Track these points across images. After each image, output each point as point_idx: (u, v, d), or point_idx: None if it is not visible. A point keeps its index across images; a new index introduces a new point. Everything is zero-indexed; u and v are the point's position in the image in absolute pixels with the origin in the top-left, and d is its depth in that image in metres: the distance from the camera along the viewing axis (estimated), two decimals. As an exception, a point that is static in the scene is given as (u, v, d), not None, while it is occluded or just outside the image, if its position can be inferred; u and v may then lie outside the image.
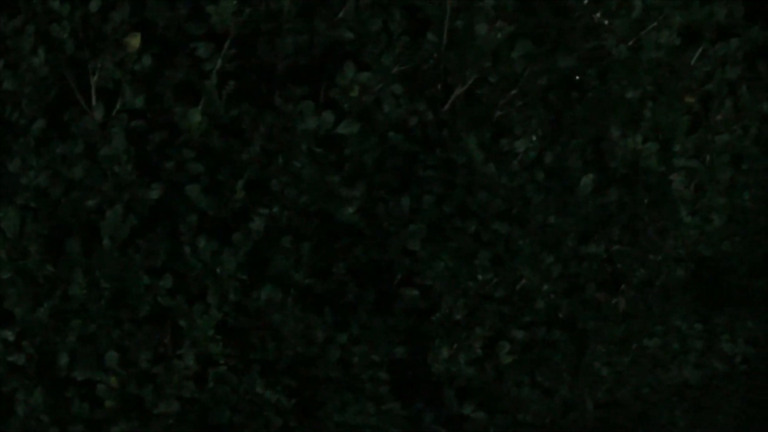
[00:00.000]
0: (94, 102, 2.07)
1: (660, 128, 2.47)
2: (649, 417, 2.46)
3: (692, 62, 2.50)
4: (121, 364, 2.17)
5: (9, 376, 2.21)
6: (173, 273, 2.16)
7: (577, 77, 2.42)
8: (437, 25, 2.35)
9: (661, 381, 2.45)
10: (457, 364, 2.40)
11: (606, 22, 2.43)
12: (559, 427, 2.48)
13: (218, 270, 2.17)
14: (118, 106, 2.09)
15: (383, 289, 2.35)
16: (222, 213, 2.17)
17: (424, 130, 2.40)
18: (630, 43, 2.45)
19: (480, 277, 2.39)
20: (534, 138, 2.44)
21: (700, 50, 2.49)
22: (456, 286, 2.37)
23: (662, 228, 2.46)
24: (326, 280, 2.26)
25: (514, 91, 2.43)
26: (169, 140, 2.13)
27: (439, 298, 2.38)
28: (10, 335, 2.19)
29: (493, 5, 2.34)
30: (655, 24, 2.45)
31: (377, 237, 2.33)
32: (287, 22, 2.26)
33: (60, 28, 2.07)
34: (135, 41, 2.04)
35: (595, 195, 2.43)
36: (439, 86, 2.39)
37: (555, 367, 2.44)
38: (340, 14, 2.30)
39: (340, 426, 2.28)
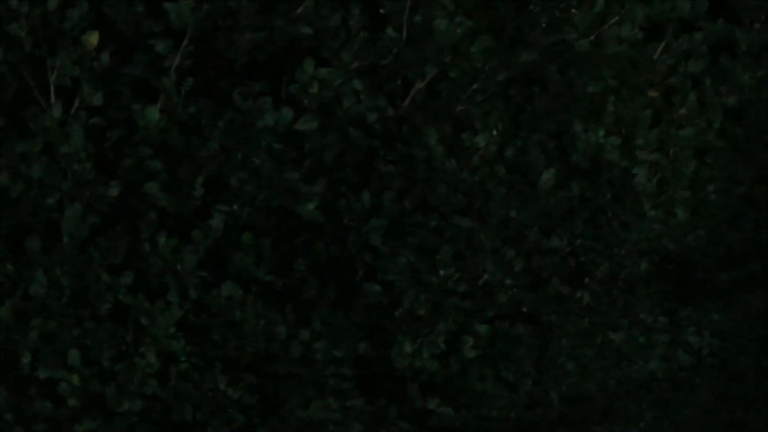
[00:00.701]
0: (52, 100, 2.09)
1: (622, 122, 2.48)
2: (615, 410, 2.45)
3: (655, 56, 2.52)
4: (83, 362, 2.20)
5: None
6: (134, 270, 2.18)
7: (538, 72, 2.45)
8: (396, 20, 2.36)
9: (627, 374, 2.45)
10: (420, 359, 2.41)
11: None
12: (524, 421, 2.47)
13: (179, 267, 2.19)
14: (76, 104, 2.11)
15: (345, 285, 2.36)
16: (181, 210, 2.18)
17: (385, 126, 2.44)
18: (592, 37, 2.48)
19: (442, 272, 2.41)
20: (495, 133, 2.46)
21: (663, 44, 2.51)
22: (418, 282, 2.41)
23: (625, 222, 2.47)
24: (287, 276, 2.27)
25: (474, 86, 2.45)
26: (128, 138, 2.14)
27: (402, 294, 2.41)
28: None
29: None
30: (617, 18, 2.49)
31: (338, 233, 2.35)
32: (245, 18, 2.28)
33: (18, 27, 2.09)
34: (93, 39, 2.08)
35: (557, 189, 2.44)
36: (399, 81, 2.41)
37: (519, 361, 2.44)
38: (299, 10, 2.33)
39: (303, 422, 2.29)
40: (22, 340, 2.19)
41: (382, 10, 2.35)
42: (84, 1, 2.14)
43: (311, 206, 2.29)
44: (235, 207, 2.23)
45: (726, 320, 2.49)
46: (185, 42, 2.19)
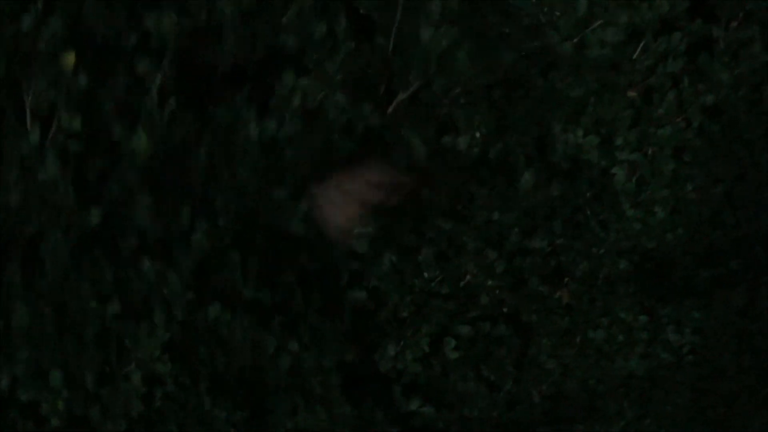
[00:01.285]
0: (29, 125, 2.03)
1: (601, 122, 2.48)
2: (597, 408, 2.47)
3: (634, 56, 2.52)
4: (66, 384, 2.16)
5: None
6: (119, 296, 2.14)
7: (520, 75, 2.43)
8: (385, 29, 2.32)
9: (607, 372, 2.46)
10: (403, 361, 2.42)
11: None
12: (505, 420, 2.49)
13: (165, 290, 2.15)
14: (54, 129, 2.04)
15: (331, 293, 2.36)
16: (167, 235, 2.14)
17: (368, 133, 2.41)
18: (575, 40, 2.47)
19: (425, 274, 2.41)
20: (477, 135, 2.45)
21: (642, 44, 2.51)
22: (402, 284, 2.40)
23: (605, 221, 2.47)
24: (274, 290, 2.24)
25: (457, 90, 2.45)
26: (111, 164, 2.08)
27: (386, 298, 2.41)
28: None
29: (438, 7, 2.31)
30: (601, 22, 2.46)
31: (322, 242, 2.35)
32: (228, 30, 2.25)
33: (-8, 47, 2.02)
34: (70, 59, 2.00)
35: (537, 190, 2.45)
36: (382, 89, 2.39)
37: (500, 361, 2.45)
38: (283, 20, 2.29)
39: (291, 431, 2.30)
40: (6, 368, 2.14)
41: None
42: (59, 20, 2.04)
43: (297, 220, 2.27)
44: (220, 224, 2.19)
45: (706, 318, 2.51)
46: (166, 59, 2.12)
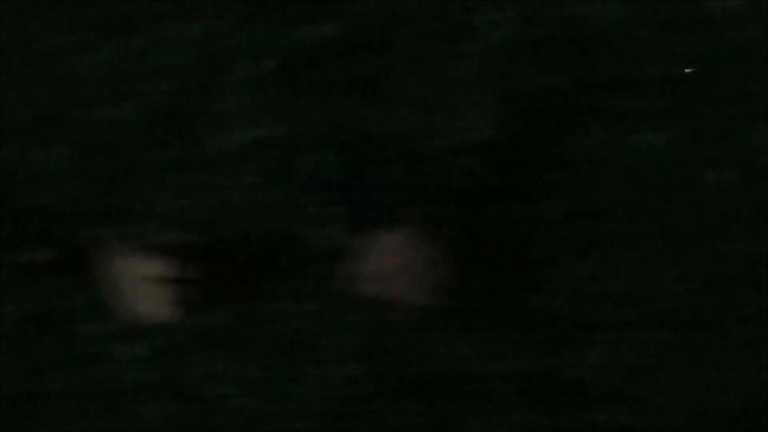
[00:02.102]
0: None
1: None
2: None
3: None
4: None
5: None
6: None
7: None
8: None
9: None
10: (598, 369, 2.36)
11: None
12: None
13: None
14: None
15: (524, 299, 2.32)
16: None
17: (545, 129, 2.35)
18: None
19: (613, 280, 2.35)
20: (668, 132, 2.37)
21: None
22: (591, 291, 2.34)
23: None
24: (466, 296, 2.21)
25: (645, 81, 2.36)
26: None
27: (575, 304, 2.36)
28: None
29: None
30: None
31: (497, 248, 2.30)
32: None
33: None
34: None
35: (731, 190, 2.35)
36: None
37: (697, 371, 2.38)
38: None
39: (472, 439, 2.27)
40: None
41: None
42: None
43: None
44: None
45: None
46: None
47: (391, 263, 2.01)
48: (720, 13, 2.27)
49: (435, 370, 2.13)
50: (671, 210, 2.27)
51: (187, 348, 2.08)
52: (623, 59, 2.27)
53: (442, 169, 2.05)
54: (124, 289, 1.95)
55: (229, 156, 1.92)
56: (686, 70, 2.28)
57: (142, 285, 1.92)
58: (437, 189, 2.09)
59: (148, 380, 2.12)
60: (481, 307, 2.16)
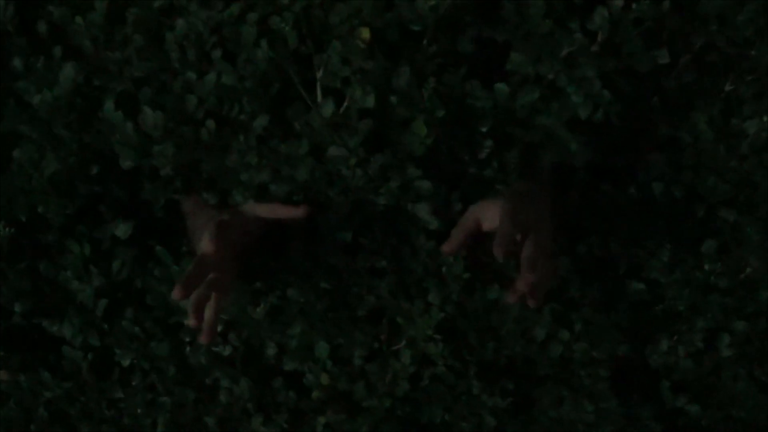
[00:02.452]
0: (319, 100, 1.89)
1: None
2: None
3: None
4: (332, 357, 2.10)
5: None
6: (395, 273, 2.05)
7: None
8: None
9: None
10: (675, 356, 2.30)
11: None
12: (773, 423, 2.37)
13: (443, 269, 2.04)
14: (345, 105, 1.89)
15: (607, 283, 2.25)
16: (443, 225, 1.99)
17: (646, 108, 2.26)
18: None
19: (706, 266, 2.27)
20: (765, 119, 2.29)
21: None
22: (681, 277, 2.27)
23: None
24: (560, 277, 2.11)
25: (744, 64, 2.27)
26: (393, 151, 1.93)
27: (664, 290, 2.28)
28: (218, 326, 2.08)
29: None
30: None
31: (599, 231, 2.23)
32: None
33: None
34: (365, 34, 1.92)
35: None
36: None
37: (775, 361, 2.33)
38: None
39: (554, 422, 2.20)
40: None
41: None
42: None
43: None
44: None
45: None
46: (426, 42, 1.96)
47: (488, 241, 1.95)
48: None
49: (522, 351, 2.07)
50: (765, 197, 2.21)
51: (264, 324, 2.04)
52: (726, 39, 2.19)
53: (537, 145, 1.98)
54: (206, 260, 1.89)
55: (324, 126, 1.86)
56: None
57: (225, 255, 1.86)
58: (531, 166, 2.03)
59: (222, 354, 2.10)
60: (575, 289, 2.09)
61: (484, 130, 2.02)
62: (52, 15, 2.01)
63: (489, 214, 1.96)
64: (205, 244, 1.89)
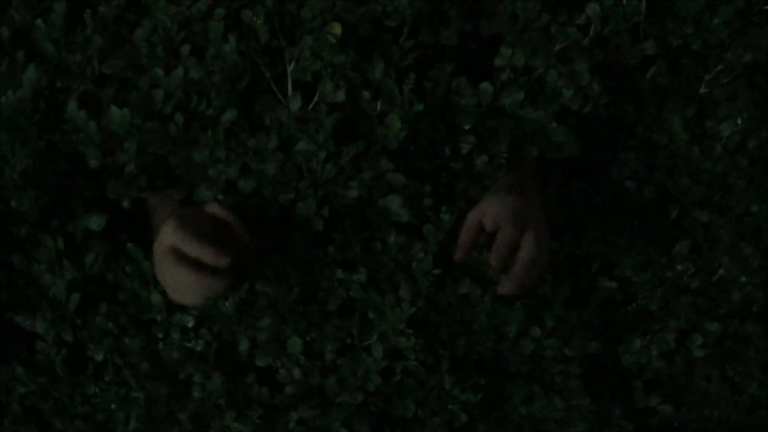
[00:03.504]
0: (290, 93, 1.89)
1: None
2: None
3: None
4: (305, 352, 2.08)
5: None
6: (366, 268, 2.04)
7: None
8: None
9: None
10: (648, 356, 2.31)
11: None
12: (744, 424, 2.37)
13: (413, 264, 2.04)
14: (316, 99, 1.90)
15: (579, 281, 2.24)
16: (415, 218, 2.02)
17: (621, 109, 2.28)
18: None
19: (679, 266, 2.28)
20: (739, 121, 2.30)
21: None
22: (653, 276, 2.28)
23: None
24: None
25: (719, 66, 2.29)
26: (366, 144, 1.94)
27: (635, 289, 2.29)
28: (190, 322, 2.12)
29: None
30: None
31: (572, 228, 2.24)
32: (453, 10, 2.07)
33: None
34: (337, 29, 1.92)
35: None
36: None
37: (746, 362, 2.32)
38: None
39: (525, 419, 2.21)
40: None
41: None
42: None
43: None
44: (461, 205, 2.07)
45: None
46: (404, 35, 1.97)
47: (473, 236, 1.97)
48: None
49: (494, 347, 2.07)
50: (743, 198, 2.21)
51: (234, 318, 2.04)
52: (701, 42, 2.20)
53: (524, 138, 1.99)
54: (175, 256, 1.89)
55: (294, 121, 1.86)
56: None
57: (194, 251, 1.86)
58: (518, 159, 2.04)
59: (194, 349, 2.10)
60: (552, 286, 2.10)
61: (467, 127, 2.04)
62: (14, 19, 2.04)
63: (490, 214, 2.01)
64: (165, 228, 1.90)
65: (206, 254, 1.87)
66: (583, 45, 2.09)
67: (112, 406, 2.18)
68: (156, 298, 2.10)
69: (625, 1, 2.10)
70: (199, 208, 1.96)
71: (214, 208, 1.95)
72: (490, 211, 1.99)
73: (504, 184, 2.04)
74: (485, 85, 2.00)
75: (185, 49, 1.93)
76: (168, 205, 2.04)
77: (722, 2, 2.16)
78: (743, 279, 2.26)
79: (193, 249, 1.88)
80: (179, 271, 1.92)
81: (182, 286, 1.95)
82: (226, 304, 2.08)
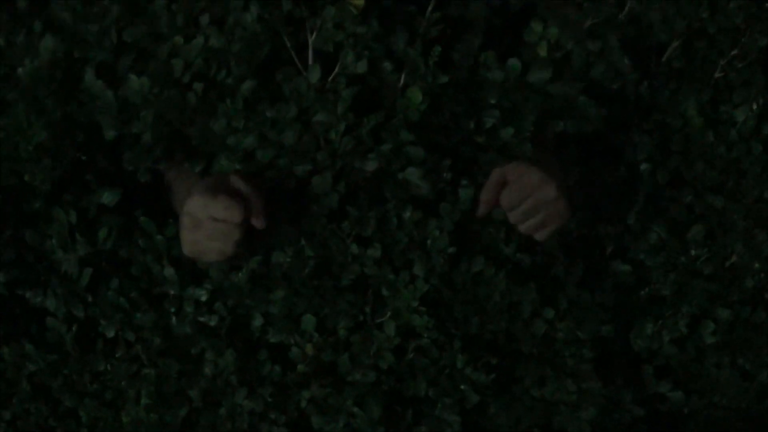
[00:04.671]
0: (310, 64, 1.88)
1: None
2: None
3: None
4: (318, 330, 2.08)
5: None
6: (381, 243, 2.03)
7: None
8: None
9: None
10: (659, 341, 2.30)
11: None
12: (754, 412, 2.36)
13: (428, 242, 2.03)
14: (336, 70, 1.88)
15: (593, 263, 2.25)
16: (433, 192, 1.99)
17: (636, 91, 2.27)
18: None
19: (692, 251, 2.28)
20: (754, 106, 2.30)
21: None
22: (666, 261, 2.27)
23: None
24: (534, 253, 2.12)
25: (734, 50, 2.29)
26: (386, 117, 1.91)
27: (649, 274, 2.28)
28: (203, 296, 2.11)
29: None
30: None
31: (588, 209, 2.23)
32: None
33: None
34: (359, 1, 1.93)
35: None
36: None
37: (758, 349, 2.32)
38: None
39: (537, 401, 2.20)
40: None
41: None
42: None
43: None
44: (480, 180, 2.04)
45: None
46: (430, 8, 1.96)
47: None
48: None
49: (507, 327, 2.06)
50: (757, 184, 2.21)
51: (247, 290, 2.03)
52: (716, 26, 2.20)
53: (552, 113, 2.00)
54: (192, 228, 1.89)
55: (314, 92, 1.86)
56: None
57: (210, 224, 1.85)
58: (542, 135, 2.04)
59: (208, 324, 2.08)
60: (565, 266, 2.10)
61: (492, 101, 2.03)
62: (31, -11, 2.06)
63: (512, 173, 2.00)
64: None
65: (232, 212, 1.88)
66: (616, 21, 2.10)
67: (123, 383, 2.18)
68: (169, 272, 2.09)
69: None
70: (223, 178, 1.95)
71: (236, 182, 1.95)
72: (513, 171, 1.98)
73: (527, 158, 2.04)
74: (513, 61, 1.99)
75: (205, 18, 1.92)
76: (189, 177, 2.04)
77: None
78: (756, 266, 2.26)
79: (219, 209, 1.88)
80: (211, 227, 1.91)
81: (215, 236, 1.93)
82: (239, 275, 2.08)
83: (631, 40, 2.12)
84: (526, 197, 1.98)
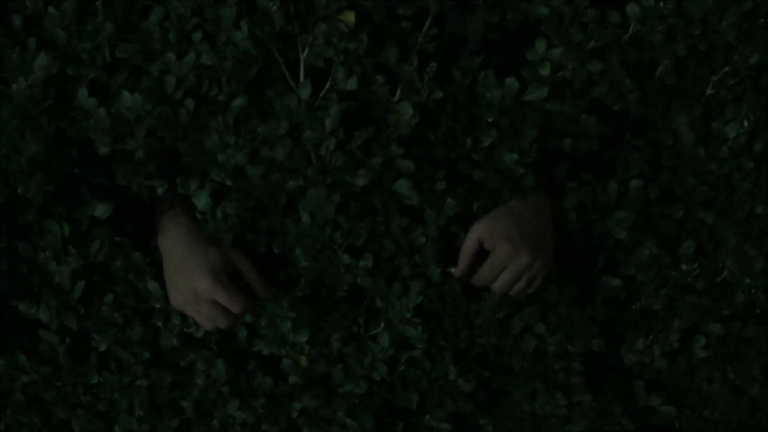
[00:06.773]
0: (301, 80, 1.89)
1: None
2: None
3: None
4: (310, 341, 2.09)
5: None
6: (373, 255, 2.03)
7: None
8: None
9: None
10: (650, 355, 2.31)
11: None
12: (745, 426, 2.37)
13: (417, 258, 2.05)
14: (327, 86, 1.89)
15: (584, 278, 2.24)
16: (425, 203, 2.01)
17: (628, 109, 2.28)
18: None
19: (684, 266, 2.29)
20: (745, 123, 2.31)
21: None
22: (658, 276, 2.28)
23: None
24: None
25: (726, 68, 2.30)
26: (377, 131, 1.92)
27: (640, 288, 2.29)
28: None
29: None
30: None
31: (579, 224, 2.24)
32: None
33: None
34: (350, 18, 1.93)
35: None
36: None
37: (748, 364, 2.33)
38: None
39: (527, 415, 2.21)
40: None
41: None
42: None
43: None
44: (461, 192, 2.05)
45: None
46: (427, 23, 1.96)
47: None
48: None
49: (497, 342, 2.08)
50: (748, 200, 2.22)
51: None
52: (708, 43, 2.21)
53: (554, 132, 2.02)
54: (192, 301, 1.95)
55: (304, 108, 1.87)
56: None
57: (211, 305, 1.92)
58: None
59: (195, 335, 2.09)
60: (555, 283, 2.11)
61: (490, 120, 2.04)
62: (26, 7, 2.04)
63: (491, 235, 2.03)
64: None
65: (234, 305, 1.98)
66: (620, 43, 2.11)
67: (115, 394, 2.19)
68: (153, 285, 2.11)
69: (662, 3, 2.13)
70: (227, 259, 2.01)
71: (241, 262, 2.01)
72: (487, 230, 2.02)
73: (507, 205, 2.06)
74: (511, 80, 2.01)
75: (197, 35, 1.94)
76: (175, 205, 2.08)
77: (730, 4, 2.19)
78: (747, 281, 2.27)
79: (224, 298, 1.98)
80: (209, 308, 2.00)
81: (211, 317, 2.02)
82: None
83: (629, 59, 2.15)
84: (500, 272, 2.04)
